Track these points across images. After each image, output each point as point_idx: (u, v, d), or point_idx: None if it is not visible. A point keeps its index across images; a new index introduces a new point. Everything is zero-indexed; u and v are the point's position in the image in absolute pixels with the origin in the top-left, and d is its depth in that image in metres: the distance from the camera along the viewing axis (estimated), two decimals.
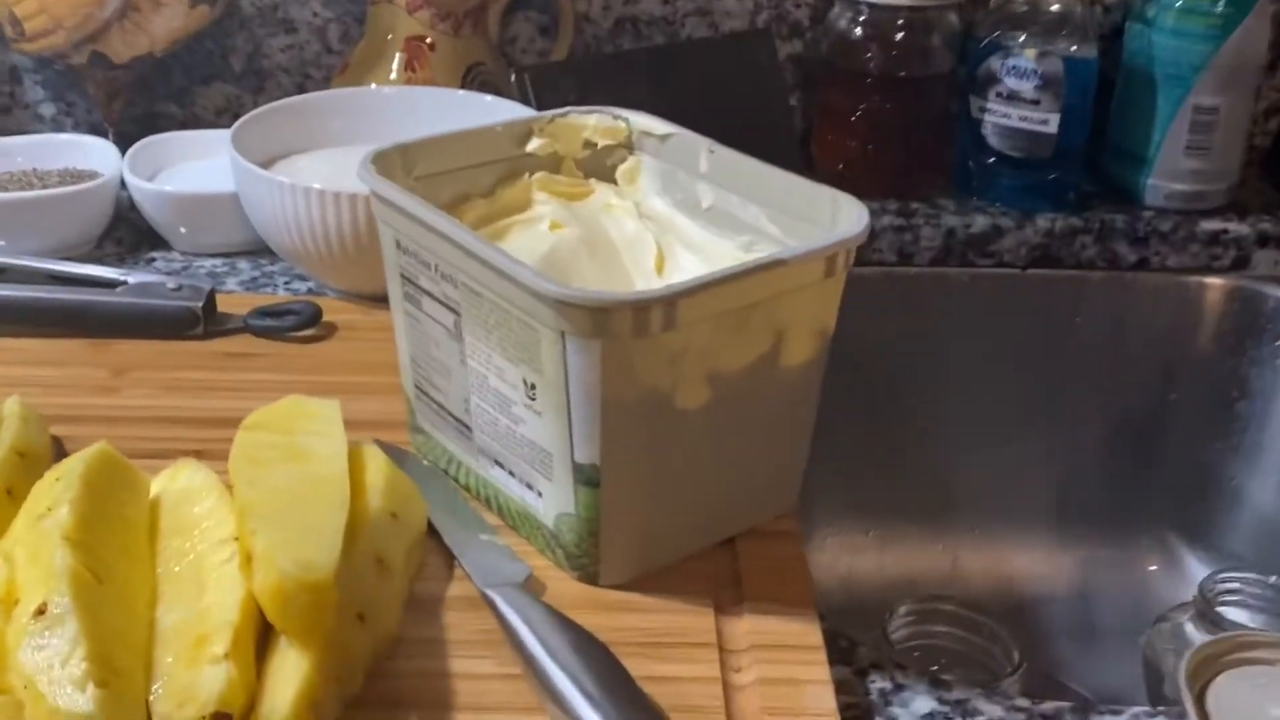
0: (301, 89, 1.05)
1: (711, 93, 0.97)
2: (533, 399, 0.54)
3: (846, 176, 1.01)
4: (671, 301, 0.50)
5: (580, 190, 0.68)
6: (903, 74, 0.98)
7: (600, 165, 0.69)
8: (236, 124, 0.81)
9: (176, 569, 0.54)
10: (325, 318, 0.76)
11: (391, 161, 0.62)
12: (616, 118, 0.68)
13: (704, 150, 0.65)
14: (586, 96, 0.91)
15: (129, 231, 0.90)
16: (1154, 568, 1.04)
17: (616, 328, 0.50)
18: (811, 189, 0.60)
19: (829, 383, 0.61)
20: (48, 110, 1.06)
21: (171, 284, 0.75)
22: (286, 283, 0.85)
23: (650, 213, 0.67)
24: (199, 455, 0.62)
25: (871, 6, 0.97)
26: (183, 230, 0.87)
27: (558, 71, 0.91)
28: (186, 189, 0.86)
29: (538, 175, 0.67)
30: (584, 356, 0.51)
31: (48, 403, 0.67)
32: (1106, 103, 1.01)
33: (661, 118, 0.68)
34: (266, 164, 0.83)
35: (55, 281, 0.75)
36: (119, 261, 0.87)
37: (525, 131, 0.67)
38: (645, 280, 0.64)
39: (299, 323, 0.74)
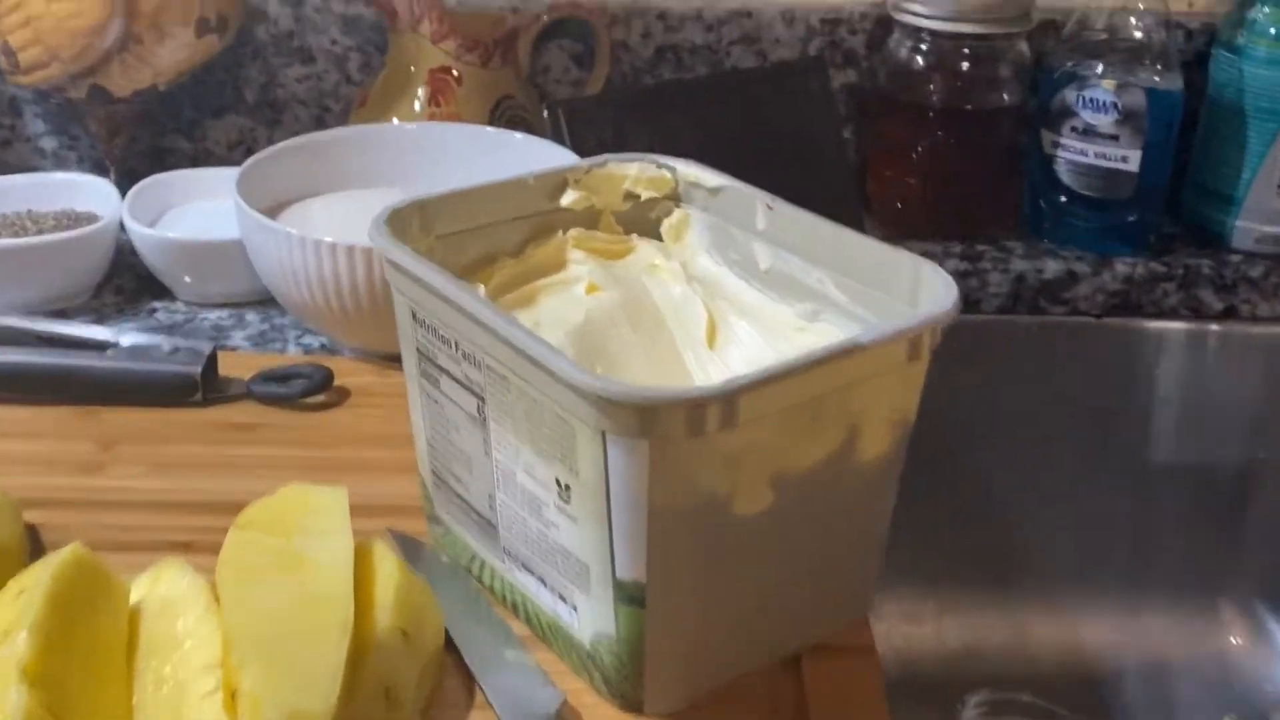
0: (319, 121, 0.98)
1: (760, 126, 0.89)
2: (567, 502, 0.46)
3: (905, 215, 0.94)
4: (731, 398, 0.43)
5: (620, 247, 0.60)
6: (968, 107, 0.91)
7: (643, 219, 0.61)
8: (243, 167, 0.74)
9: (155, 695, 0.47)
10: (337, 380, 0.69)
11: (408, 220, 0.55)
12: (661, 166, 0.61)
13: (761, 206, 0.57)
14: (624, 132, 0.84)
15: (130, 278, 0.83)
16: (1239, 641, 0.96)
17: (667, 428, 0.42)
18: (888, 254, 0.52)
19: None
20: (49, 144, 1.00)
21: (168, 346, 0.68)
22: (298, 337, 0.78)
23: (699, 274, 0.59)
24: (188, 549, 0.55)
25: (934, 35, 0.89)
26: (187, 280, 0.80)
27: (593, 105, 0.84)
28: (191, 236, 0.79)
29: (573, 232, 0.60)
30: (628, 459, 0.43)
31: (24, 484, 0.60)
32: (1188, 136, 0.93)
33: (711, 166, 0.60)
34: (276, 209, 0.76)
35: (43, 342, 0.68)
36: (118, 312, 0.80)
37: (559, 183, 0.59)
38: (694, 353, 0.56)
39: (307, 389, 0.67)
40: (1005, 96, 0.91)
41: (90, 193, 0.85)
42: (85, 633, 0.47)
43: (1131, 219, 0.90)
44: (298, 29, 0.96)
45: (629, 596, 0.46)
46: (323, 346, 0.76)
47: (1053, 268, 0.90)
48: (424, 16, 0.86)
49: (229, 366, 0.70)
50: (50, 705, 0.42)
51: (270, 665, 0.42)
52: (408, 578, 0.51)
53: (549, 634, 0.51)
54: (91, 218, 0.83)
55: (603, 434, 0.43)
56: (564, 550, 0.48)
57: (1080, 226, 0.91)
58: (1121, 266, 0.90)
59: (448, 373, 0.51)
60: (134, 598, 0.51)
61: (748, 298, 0.58)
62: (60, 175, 0.88)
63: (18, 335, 0.69)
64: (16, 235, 0.81)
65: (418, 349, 0.53)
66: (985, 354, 0.93)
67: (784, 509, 0.47)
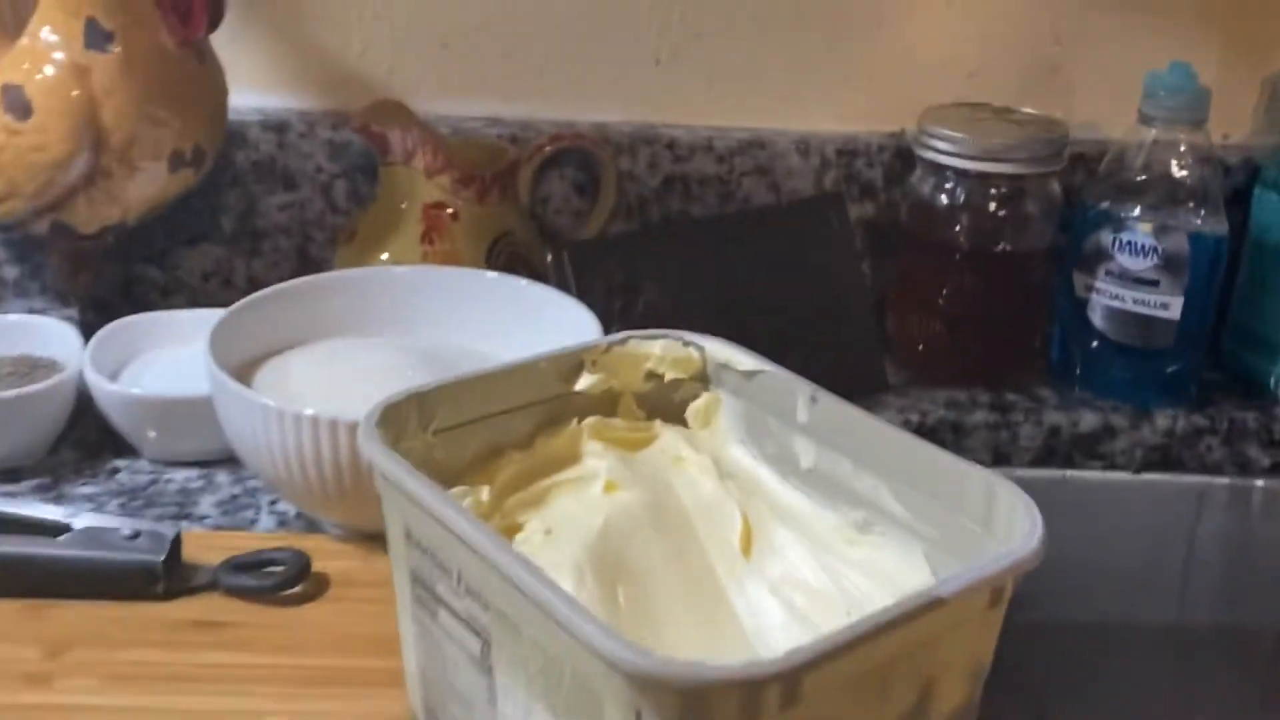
0: (301, 252, 0.92)
1: (777, 264, 0.83)
2: None
3: (928, 359, 0.88)
4: (794, 676, 0.36)
5: (642, 435, 0.54)
6: (996, 248, 0.85)
7: (666, 402, 0.55)
8: (216, 322, 0.67)
9: None
10: (317, 565, 0.62)
11: (404, 416, 0.48)
12: (689, 344, 0.54)
13: (804, 397, 0.51)
14: (634, 273, 0.78)
15: (93, 430, 0.76)
16: None
17: (718, 713, 0.36)
18: (957, 467, 0.46)
19: None
20: (10, 273, 0.93)
21: (127, 530, 0.60)
22: (272, 503, 0.70)
23: (731, 469, 0.53)
24: None
25: (959, 173, 0.83)
26: (152, 435, 0.73)
27: (600, 246, 0.78)
28: (156, 391, 0.72)
29: (589, 420, 0.53)
30: None
31: None
32: (1230, 278, 0.88)
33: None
34: (254, 362, 0.69)
35: None
36: (75, 473, 0.73)
37: (575, 365, 0.53)
38: (728, 565, 0.50)
39: (281, 582, 0.60)
40: (1035, 238, 0.85)
41: (50, 337, 0.78)
42: None
43: (1172, 369, 0.84)
44: (280, 154, 0.90)
45: None
46: (299, 515, 0.69)
47: (1089, 420, 0.84)
48: (417, 150, 0.80)
49: (195, 548, 0.62)
50: None
51: None
52: None
53: None
54: (52, 365, 0.76)
55: (637, 714, 0.36)
56: None
57: (1116, 376, 0.85)
58: (1162, 420, 0.84)
59: (447, 605, 0.44)
60: None
61: (788, 499, 0.51)
62: (18, 317, 0.81)
63: None
64: None
65: (412, 573, 0.46)
66: None
67: None
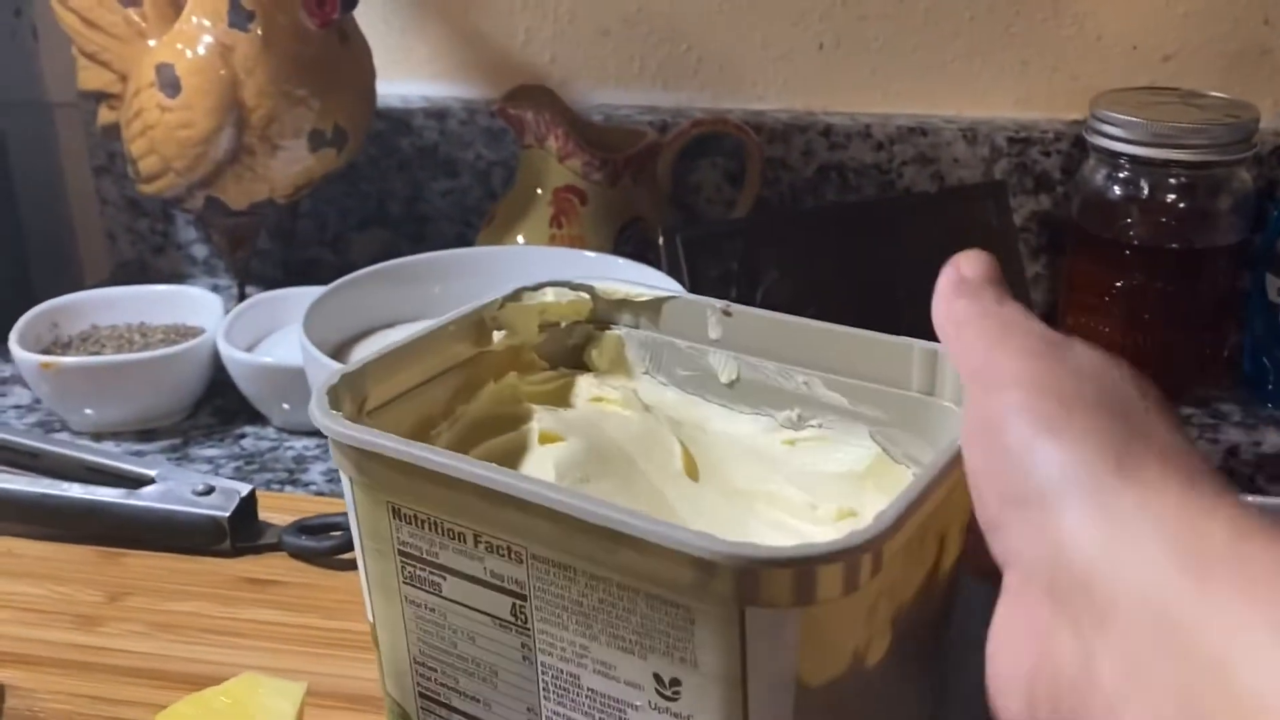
0: (462, 237, 0.93)
1: (920, 259, 0.78)
2: (673, 699, 0.37)
3: None
4: (880, 542, 0.34)
5: (556, 385, 0.51)
6: (1174, 245, 0.77)
7: (563, 351, 0.52)
8: (313, 300, 0.68)
9: None
10: None
11: (340, 399, 0.45)
12: (576, 287, 0.52)
13: (715, 314, 0.48)
14: (755, 262, 0.74)
15: (233, 398, 0.79)
16: None
17: (825, 590, 0.34)
18: (888, 343, 0.44)
19: None
20: (199, 252, 0.98)
21: (201, 486, 0.62)
22: None
23: (652, 399, 0.50)
24: None
25: (1134, 161, 0.76)
26: (286, 407, 0.75)
27: (719, 234, 0.75)
28: (280, 360, 0.74)
29: (506, 379, 0.50)
30: (775, 634, 0.35)
31: (13, 635, 0.56)
32: None
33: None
34: (349, 343, 0.70)
35: (90, 473, 0.64)
36: (206, 435, 0.76)
37: (478, 325, 0.50)
38: (678, 489, 0.47)
39: (338, 546, 0.60)
40: (1221, 234, 0.77)
41: (201, 307, 0.82)
42: None
43: None
44: (442, 142, 0.92)
45: None
46: None
47: (1274, 440, 0.75)
48: (550, 132, 0.80)
49: (271, 508, 0.64)
50: None
51: None
52: None
53: None
54: (199, 334, 0.79)
55: (741, 611, 0.34)
56: None
57: None
58: None
59: (457, 573, 0.42)
60: None
61: (715, 416, 0.49)
62: (171, 288, 0.85)
63: (68, 463, 0.65)
64: (121, 349, 0.79)
65: (399, 553, 0.44)
66: None
67: (898, 646, 0.39)
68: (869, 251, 0.77)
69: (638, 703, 0.38)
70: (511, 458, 0.47)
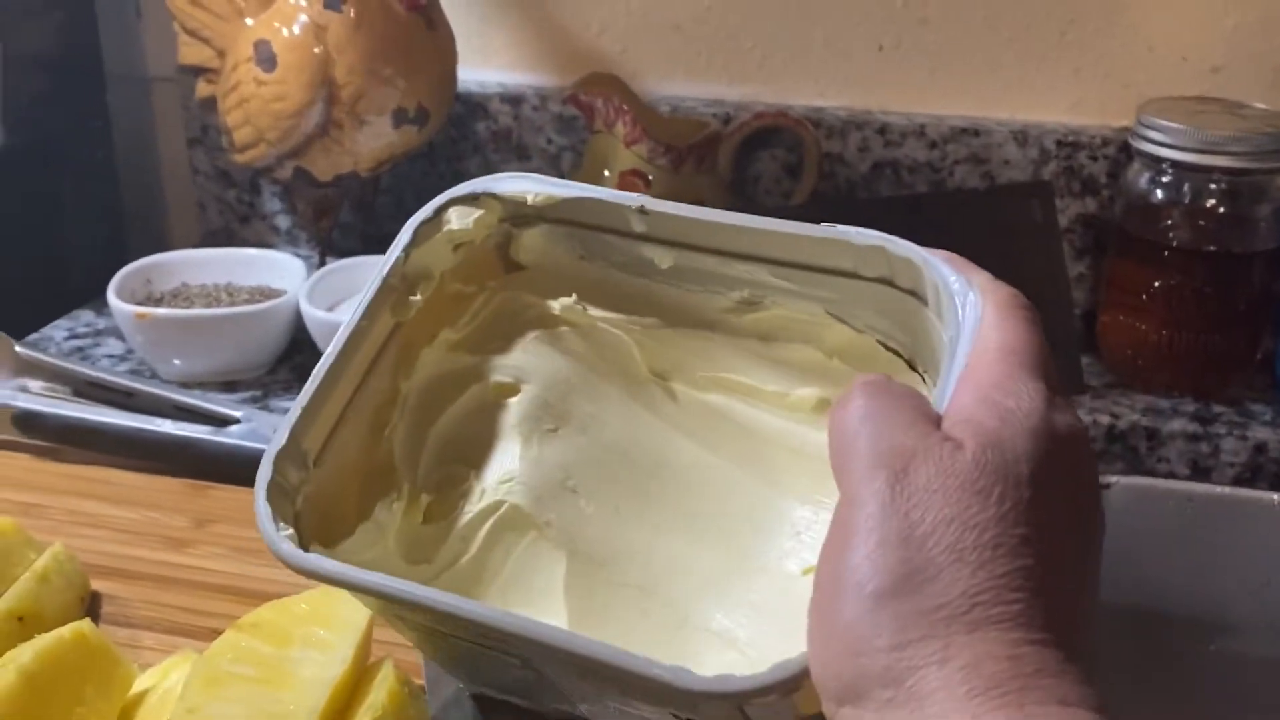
0: None
1: (967, 250, 0.81)
2: None
3: (1136, 364, 0.83)
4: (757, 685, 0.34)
5: (489, 314, 0.47)
6: (1213, 249, 0.80)
7: (487, 261, 0.47)
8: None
9: None
10: None
11: (285, 477, 0.43)
12: (478, 196, 0.45)
13: (631, 210, 0.43)
14: None
15: (310, 356, 0.84)
16: None
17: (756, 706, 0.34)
18: (836, 233, 0.40)
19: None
20: (283, 223, 1.04)
21: None
22: None
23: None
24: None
25: (1177, 165, 0.79)
26: None
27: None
28: None
29: (436, 343, 0.47)
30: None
31: (106, 551, 0.61)
32: None
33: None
34: None
35: (179, 412, 0.69)
36: (285, 390, 0.81)
37: (390, 295, 0.45)
38: (649, 395, 0.46)
39: None
40: (1260, 239, 0.80)
41: (285, 271, 0.87)
42: (59, 715, 0.45)
43: None
44: (516, 126, 0.96)
45: None
46: None
47: None
48: (619, 118, 0.84)
49: None
50: None
51: None
52: (398, 710, 0.47)
53: None
54: (282, 295, 0.85)
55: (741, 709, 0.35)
56: None
57: None
58: None
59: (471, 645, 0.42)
60: (143, 686, 0.49)
61: (663, 299, 0.45)
62: (259, 251, 0.91)
63: (159, 402, 0.70)
64: (210, 306, 0.84)
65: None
66: (1218, 534, 0.81)
67: None
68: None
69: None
70: (474, 425, 0.46)
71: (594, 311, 0.47)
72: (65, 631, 0.48)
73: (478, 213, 0.45)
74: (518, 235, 0.47)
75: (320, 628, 0.49)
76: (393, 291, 0.45)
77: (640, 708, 0.38)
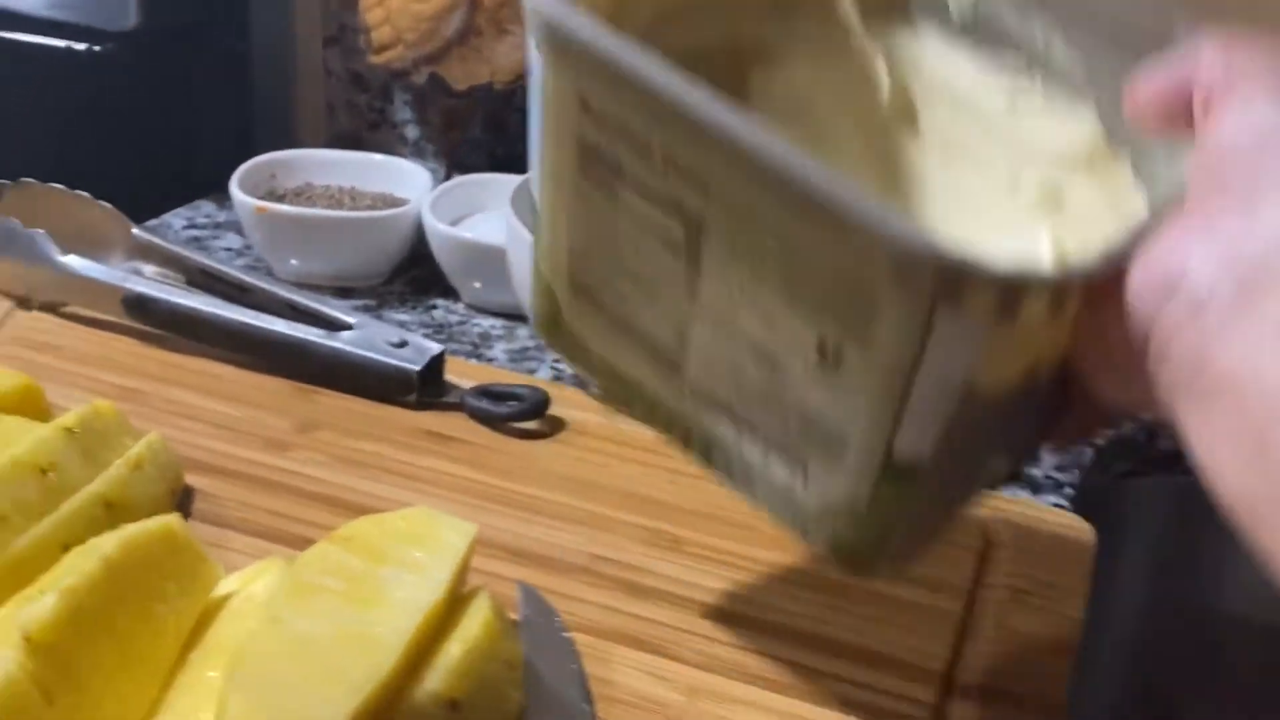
0: None
1: None
2: (835, 368, 0.36)
3: None
4: (1099, 277, 0.33)
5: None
6: None
7: None
8: (522, 181, 0.70)
9: (187, 698, 0.42)
10: (559, 411, 0.63)
11: None
12: None
13: None
14: None
15: (427, 271, 0.81)
16: None
17: (1029, 312, 0.33)
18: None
19: None
20: (411, 134, 1.01)
21: (395, 339, 0.64)
22: (555, 361, 0.73)
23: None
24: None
25: None
26: (476, 285, 0.77)
27: None
28: (476, 238, 0.76)
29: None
30: (962, 341, 0.34)
31: (206, 446, 0.59)
32: None
33: None
34: None
35: (292, 312, 0.67)
36: (400, 301, 0.78)
37: None
38: (879, 129, 0.45)
39: (517, 412, 0.62)
40: None
41: (410, 181, 0.84)
42: (137, 613, 0.43)
43: None
44: None
45: (899, 474, 0.37)
46: (574, 377, 0.71)
47: None
48: None
49: (457, 372, 0.65)
50: (48, 681, 0.38)
51: (257, 702, 0.36)
52: (492, 643, 0.44)
53: (740, 479, 0.42)
54: (405, 204, 0.82)
55: (932, 308, 0.33)
56: (808, 415, 0.38)
57: None
58: None
59: (637, 184, 0.39)
60: (228, 589, 0.47)
61: (933, 55, 0.46)
62: (384, 158, 0.88)
63: (272, 300, 0.67)
64: (332, 207, 0.81)
65: (580, 140, 0.40)
66: None
67: (1050, 379, 0.38)
68: None
69: (795, 359, 0.37)
70: (729, 74, 0.43)
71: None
72: (153, 524, 0.45)
73: None
74: None
75: (417, 548, 0.46)
76: None
77: (790, 321, 0.36)
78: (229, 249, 0.85)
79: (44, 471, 0.49)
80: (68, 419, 0.52)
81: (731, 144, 0.34)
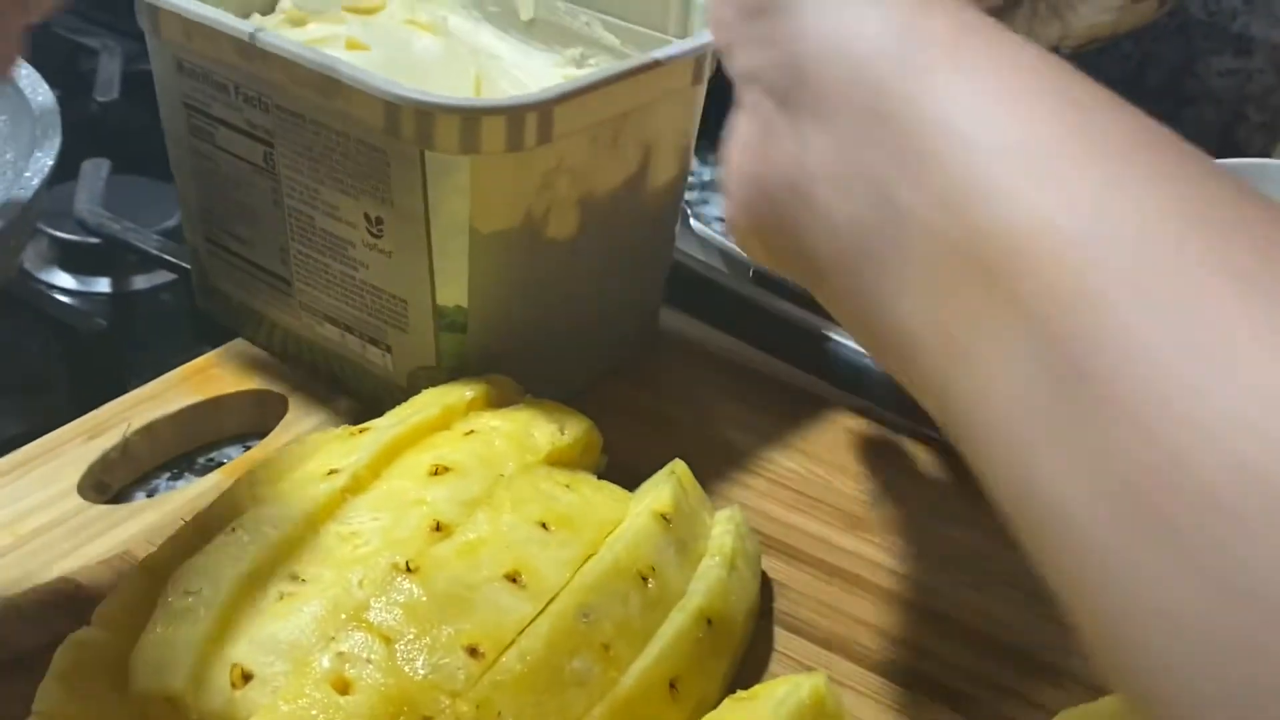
0: (1226, 129, 0.78)
1: None
2: (379, 236, 0.47)
3: None
4: (547, 109, 0.43)
5: (370, 4, 0.58)
6: None
7: None
8: None
9: None
10: None
11: None
12: None
13: None
14: None
15: None
16: None
17: (488, 141, 0.43)
18: None
19: None
20: None
21: None
22: None
23: (456, 29, 0.58)
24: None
25: None
26: None
27: None
28: None
29: None
30: (449, 178, 0.44)
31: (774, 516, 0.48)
32: None
33: None
34: None
35: None
36: None
37: None
38: None
39: None
40: None
41: None
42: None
43: None
44: (1244, 10, 0.77)
45: (450, 323, 0.47)
46: None
47: None
48: None
49: None
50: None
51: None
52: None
53: (355, 382, 0.52)
54: None
55: (421, 154, 0.43)
56: (375, 289, 0.48)
57: None
58: None
59: (225, 123, 0.50)
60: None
61: (510, 51, 0.58)
62: None
63: None
64: None
65: (185, 104, 0.51)
66: None
67: (589, 233, 0.49)
68: None
69: (356, 241, 0.47)
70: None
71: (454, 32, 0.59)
72: (804, 689, 0.37)
73: None
74: None
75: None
76: None
77: (345, 205, 0.46)
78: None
79: (644, 579, 0.38)
80: (662, 501, 0.41)
81: (272, 55, 0.45)
